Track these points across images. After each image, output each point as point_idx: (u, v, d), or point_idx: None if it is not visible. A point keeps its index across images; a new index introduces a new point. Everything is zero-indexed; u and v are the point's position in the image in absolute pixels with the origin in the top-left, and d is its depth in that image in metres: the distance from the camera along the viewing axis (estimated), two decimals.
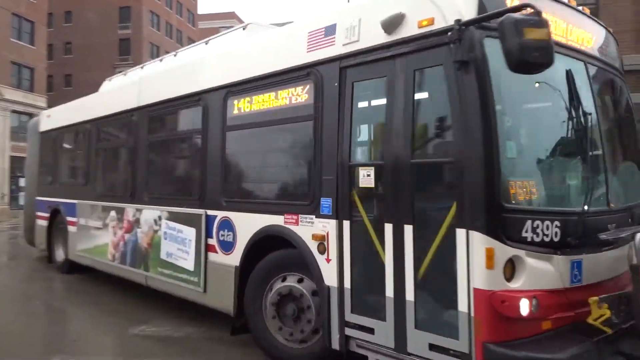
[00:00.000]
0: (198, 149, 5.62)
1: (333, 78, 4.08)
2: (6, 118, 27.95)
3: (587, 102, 3.77)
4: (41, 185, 9.71)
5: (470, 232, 3.18)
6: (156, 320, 6.02)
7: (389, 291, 3.68)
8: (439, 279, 3.47)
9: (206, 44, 6.25)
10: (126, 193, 6.84)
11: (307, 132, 4.34)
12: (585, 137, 3.59)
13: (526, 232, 3.23)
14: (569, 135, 3.53)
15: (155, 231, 6.24)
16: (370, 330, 3.83)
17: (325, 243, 4.09)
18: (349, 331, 3.98)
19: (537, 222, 3.27)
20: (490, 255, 3.11)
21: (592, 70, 3.96)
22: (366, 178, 3.85)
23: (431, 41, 3.43)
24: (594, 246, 3.58)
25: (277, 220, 4.52)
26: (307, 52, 4.33)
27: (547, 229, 3.31)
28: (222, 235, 5.17)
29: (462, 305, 3.26)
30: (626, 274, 4.02)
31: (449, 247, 3.36)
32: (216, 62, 5.43)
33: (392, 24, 3.60)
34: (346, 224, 3.97)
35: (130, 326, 5.78)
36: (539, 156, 3.45)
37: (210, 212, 5.32)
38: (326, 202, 4.09)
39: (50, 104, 20.32)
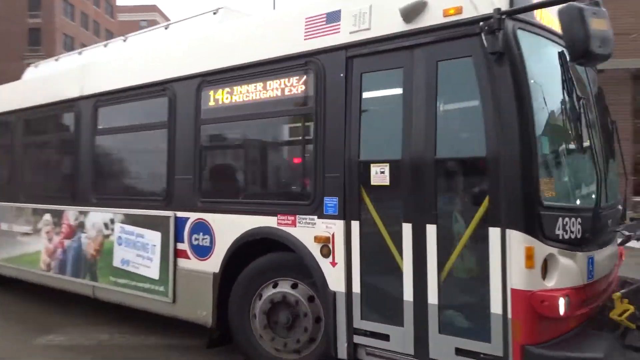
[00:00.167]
0: (163, 144, 5.07)
1: (338, 68, 3.80)
2: None
3: (590, 99, 3.82)
4: None
5: (508, 230, 3.05)
6: (63, 329, 5.57)
7: (408, 295, 3.48)
8: (467, 280, 3.33)
9: (166, 28, 5.68)
10: (65, 194, 6.06)
11: (304, 126, 4.03)
12: (595, 134, 3.63)
13: (559, 229, 3.17)
14: (584, 131, 3.55)
15: (106, 236, 5.57)
16: (385, 337, 3.60)
17: (330, 245, 3.80)
18: (358, 339, 3.73)
19: (567, 219, 3.22)
20: (530, 254, 3.01)
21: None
22: (379, 175, 3.62)
23: (458, 31, 3.27)
24: (600, 242, 3.63)
25: (267, 221, 4.15)
26: (305, 39, 4.01)
27: (573, 225, 3.28)
28: (197, 239, 4.69)
29: (496, 306, 3.13)
30: (616, 270, 4.16)
31: (478, 247, 3.22)
32: (188, 48, 4.91)
33: (412, 12, 3.40)
34: (355, 224, 3.71)
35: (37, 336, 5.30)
36: (563, 152, 3.41)
37: (181, 214, 4.80)
38: (331, 202, 3.80)
39: None
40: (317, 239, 3.85)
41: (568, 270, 3.24)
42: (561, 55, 3.34)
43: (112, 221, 5.51)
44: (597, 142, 3.65)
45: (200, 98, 4.70)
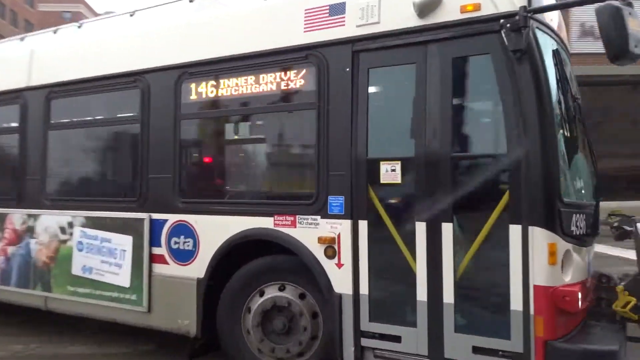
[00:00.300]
0: (134, 140, 4.67)
1: (343, 63, 3.67)
2: None
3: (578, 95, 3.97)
4: None
5: (530, 227, 3.07)
6: None
7: (422, 295, 3.42)
8: (485, 278, 3.32)
9: (131, 15, 5.24)
10: (9, 195, 5.44)
11: (305, 123, 3.86)
12: (585, 131, 3.78)
13: (573, 225, 3.25)
14: (580, 129, 3.67)
15: (63, 242, 5.05)
16: (396, 339, 3.52)
17: (336, 246, 3.66)
18: (365, 341, 3.61)
19: (578, 215, 3.31)
20: (553, 250, 3.05)
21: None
22: (390, 173, 3.53)
23: (476, 28, 3.25)
24: (593, 238, 3.78)
25: (262, 222, 3.93)
26: (305, 32, 3.84)
27: (581, 222, 3.37)
28: (177, 243, 4.36)
29: (516, 303, 3.14)
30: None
31: (497, 244, 3.22)
32: (166, 37, 4.54)
33: (428, 7, 3.35)
34: (362, 224, 3.60)
35: None
36: (571, 150, 3.50)
37: (157, 216, 4.45)
38: (336, 201, 3.66)
39: None
40: (321, 239, 3.69)
41: (578, 265, 3.33)
42: (562, 54, 3.42)
43: (71, 225, 5.01)
44: (588, 140, 3.79)
45: (181, 91, 4.37)
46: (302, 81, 3.85)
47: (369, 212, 3.58)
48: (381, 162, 3.56)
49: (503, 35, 3.13)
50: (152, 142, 4.49)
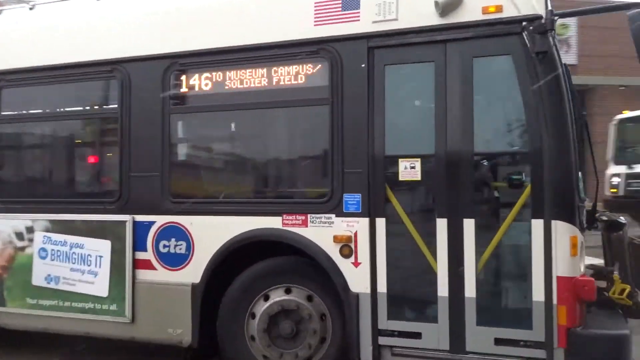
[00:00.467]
0: (111, 136, 4.28)
1: (358, 58, 3.60)
2: None
3: None
4: None
5: (554, 222, 3.21)
6: None
7: (443, 290, 3.46)
8: (506, 272, 3.43)
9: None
10: None
11: (316, 118, 3.75)
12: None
13: (583, 218, 3.45)
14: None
15: (20, 249, 4.50)
16: (416, 335, 3.53)
17: (352, 245, 3.59)
18: (383, 340, 3.59)
19: (584, 209, 3.53)
20: (574, 243, 3.22)
21: None
22: (409, 170, 3.53)
23: (498, 29, 3.34)
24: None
25: (269, 222, 3.77)
26: (316, 25, 3.72)
27: (584, 215, 3.60)
28: (166, 246, 4.05)
29: (538, 294, 3.27)
30: None
31: (518, 239, 3.34)
32: (150, 23, 4.19)
33: (449, 6, 3.39)
34: (380, 221, 3.56)
35: None
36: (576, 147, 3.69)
37: (142, 218, 4.10)
38: (352, 199, 3.60)
39: None
40: (336, 238, 3.61)
41: (584, 256, 3.55)
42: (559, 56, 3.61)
43: (30, 230, 4.48)
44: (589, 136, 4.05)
45: (170, 83, 4.07)
46: (313, 76, 3.74)
47: (387, 209, 3.56)
48: (400, 160, 3.55)
49: (525, 36, 3.25)
50: (134, 138, 4.13)
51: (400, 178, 3.54)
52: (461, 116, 3.42)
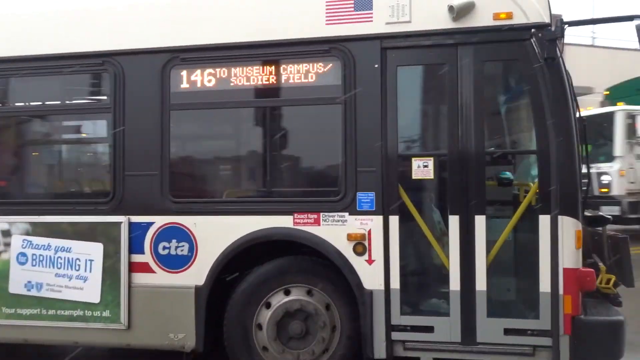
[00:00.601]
0: (100, 132, 4.06)
1: (371, 59, 3.65)
2: None
3: None
4: None
5: (560, 217, 3.42)
6: None
7: (455, 285, 3.59)
8: (515, 265, 3.61)
9: None
10: None
11: (328, 117, 3.76)
12: None
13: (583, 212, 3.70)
14: None
15: None
16: (429, 329, 3.63)
17: (366, 243, 3.64)
18: (396, 335, 3.66)
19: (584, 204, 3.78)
20: (579, 236, 3.45)
21: None
22: (422, 169, 3.63)
23: (508, 35, 3.50)
24: None
25: (279, 221, 3.74)
26: (327, 24, 3.73)
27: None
28: (166, 248, 3.90)
29: (545, 285, 3.48)
30: None
31: (526, 234, 3.54)
32: (147, 14, 4.00)
33: (463, 11, 3.51)
34: (393, 219, 3.63)
35: None
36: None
37: (139, 219, 3.92)
38: (366, 197, 3.64)
39: None
40: (350, 236, 3.64)
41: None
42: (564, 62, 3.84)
43: (6, 233, 4.14)
44: None
45: (169, 78, 3.91)
46: (325, 74, 3.74)
47: (400, 207, 3.64)
48: (413, 158, 3.64)
49: (533, 43, 3.45)
50: (129, 136, 3.93)
51: (414, 176, 3.63)
52: (472, 117, 3.56)
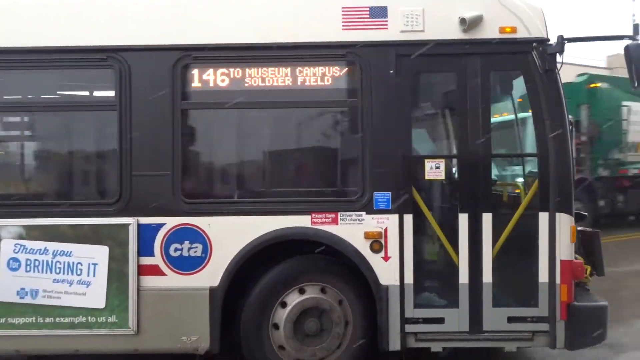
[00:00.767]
0: (105, 132, 3.90)
1: (387, 65, 3.81)
2: None
3: None
4: None
5: (558, 214, 3.78)
6: None
7: (464, 278, 3.85)
8: (517, 258, 3.92)
9: None
10: None
11: (344, 120, 3.89)
12: None
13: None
14: None
15: None
16: (439, 320, 3.87)
17: (382, 240, 3.81)
18: (409, 327, 3.86)
19: None
20: (574, 231, 3.83)
21: None
22: (434, 170, 3.85)
23: (512, 47, 3.81)
24: None
25: (296, 221, 3.80)
26: (344, 29, 3.83)
27: None
28: (178, 250, 3.83)
29: (543, 276, 3.83)
30: None
31: (527, 229, 3.87)
32: (156, 9, 3.88)
33: (472, 23, 3.77)
34: (407, 217, 3.82)
35: None
36: None
37: (148, 221, 3.81)
38: (382, 197, 3.81)
39: None
40: (367, 235, 3.79)
41: None
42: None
43: None
44: None
45: (180, 77, 3.83)
46: (341, 78, 3.86)
47: (414, 206, 3.84)
48: (426, 160, 3.86)
49: (534, 56, 3.79)
50: (136, 135, 3.80)
51: (426, 177, 3.85)
52: (480, 122, 3.84)
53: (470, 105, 3.85)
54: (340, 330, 3.86)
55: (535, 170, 4.00)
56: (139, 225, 3.79)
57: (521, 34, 3.82)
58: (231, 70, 3.86)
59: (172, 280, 3.81)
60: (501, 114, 4.28)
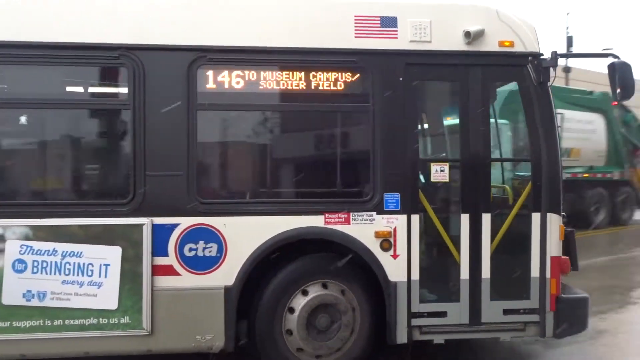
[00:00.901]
0: (117, 131, 3.87)
1: (396, 72, 4.01)
2: None
3: None
4: None
5: (549, 214, 4.13)
6: None
7: (464, 274, 4.12)
8: (513, 255, 4.23)
9: None
10: None
11: (357, 124, 4.05)
12: None
13: None
14: None
15: None
16: (442, 314, 4.12)
17: (392, 239, 4.01)
18: (415, 321, 4.09)
19: None
20: (562, 230, 4.19)
21: None
22: (439, 173, 4.10)
23: (509, 60, 4.12)
24: None
25: (310, 221, 3.93)
26: (356, 37, 4.00)
27: None
28: (193, 250, 3.86)
29: (534, 271, 4.17)
30: None
31: (521, 228, 4.19)
32: (178, 9, 3.88)
33: (475, 36, 4.04)
34: (415, 218, 4.05)
35: None
36: None
37: (162, 221, 3.82)
38: (392, 198, 4.01)
39: None
40: (377, 234, 3.98)
41: None
42: None
43: None
44: None
45: (196, 77, 3.87)
46: (353, 83, 4.02)
47: (420, 207, 4.07)
48: (431, 164, 4.10)
49: (529, 69, 4.12)
50: (150, 135, 3.80)
51: (432, 180, 4.10)
52: (480, 129, 4.12)
53: (471, 112, 4.12)
54: (349, 318, 4.02)
55: (522, 173, 4.33)
56: (153, 225, 3.79)
57: (518, 48, 4.14)
58: (246, 72, 3.92)
59: (187, 280, 3.84)
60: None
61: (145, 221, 3.78)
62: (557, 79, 4.23)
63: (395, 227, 4.00)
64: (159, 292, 3.81)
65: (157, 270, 3.80)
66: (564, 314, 4.18)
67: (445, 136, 4.41)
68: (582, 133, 13.77)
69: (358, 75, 4.04)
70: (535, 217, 4.16)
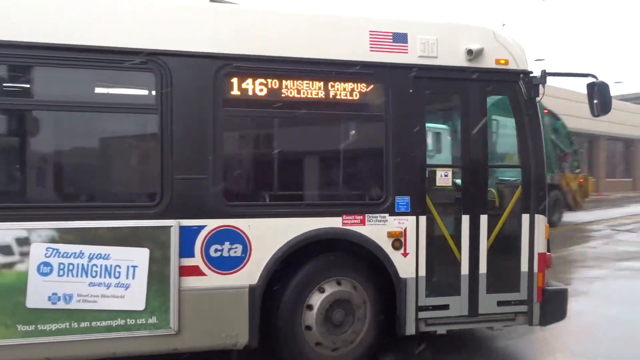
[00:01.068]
0: (144, 135, 3.92)
1: (406, 84, 4.34)
2: None
3: None
4: None
5: (536, 215, 4.61)
6: None
7: (465, 270, 4.53)
8: (505, 252, 4.68)
9: None
10: None
11: (372, 132, 4.35)
12: None
13: None
14: None
15: (6, 266, 3.66)
16: (445, 307, 4.50)
17: (402, 239, 4.34)
18: (421, 314, 4.44)
19: None
20: (547, 229, 4.70)
21: None
22: (444, 178, 4.48)
23: (503, 76, 4.58)
24: None
25: (328, 222, 4.18)
26: (371, 50, 4.30)
27: None
28: (218, 250, 4.00)
29: (524, 266, 4.65)
30: None
31: (513, 228, 4.66)
32: (206, 17, 4.00)
33: (477, 54, 4.46)
34: (422, 219, 4.40)
35: None
36: None
37: (189, 223, 3.93)
38: (403, 200, 4.34)
39: None
40: (390, 234, 4.30)
41: None
42: None
43: (24, 241, 3.68)
44: None
45: (222, 84, 4.01)
46: (369, 94, 4.31)
47: (427, 209, 4.43)
48: (437, 169, 4.47)
49: (521, 85, 4.59)
50: (177, 139, 3.89)
51: (437, 184, 4.47)
52: (478, 138, 4.54)
53: (471, 124, 4.53)
54: (362, 312, 4.32)
55: (506, 178, 4.81)
56: (180, 227, 3.89)
57: (511, 65, 4.60)
58: (270, 80, 4.11)
59: (212, 280, 3.96)
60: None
61: (172, 223, 3.87)
62: None
63: (406, 228, 4.33)
64: (186, 292, 3.91)
65: (183, 271, 3.90)
66: (549, 304, 4.68)
67: (449, 144, 4.83)
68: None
69: (373, 86, 4.33)
70: (525, 217, 4.64)
